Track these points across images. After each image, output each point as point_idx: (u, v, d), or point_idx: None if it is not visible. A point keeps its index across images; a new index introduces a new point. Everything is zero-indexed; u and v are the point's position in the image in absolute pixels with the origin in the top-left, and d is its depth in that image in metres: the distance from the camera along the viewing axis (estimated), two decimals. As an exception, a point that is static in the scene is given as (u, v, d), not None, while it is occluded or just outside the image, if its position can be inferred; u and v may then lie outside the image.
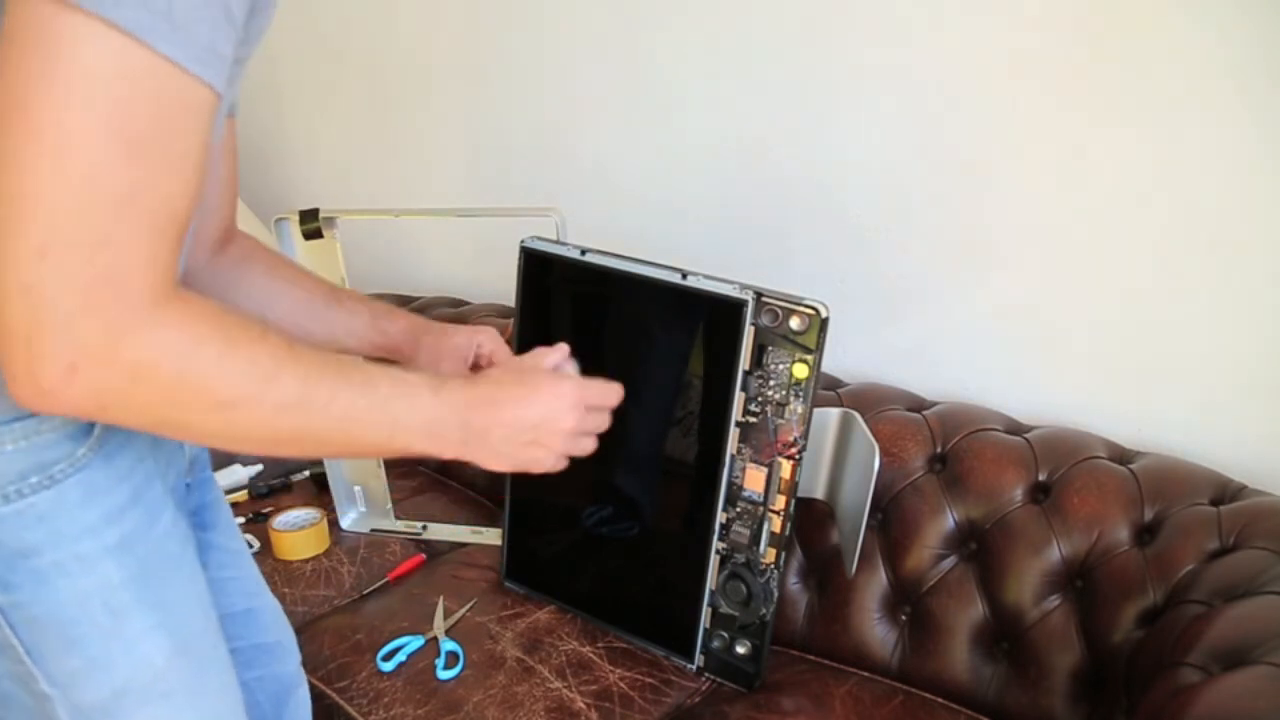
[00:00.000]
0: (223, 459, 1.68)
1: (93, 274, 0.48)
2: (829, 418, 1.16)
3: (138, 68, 0.48)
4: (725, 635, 1.18)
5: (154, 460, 0.70)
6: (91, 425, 0.62)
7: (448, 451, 0.67)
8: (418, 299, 1.85)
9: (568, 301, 1.25)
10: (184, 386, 0.53)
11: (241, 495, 1.62)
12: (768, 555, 1.13)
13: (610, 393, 0.77)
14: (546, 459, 0.72)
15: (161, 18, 0.48)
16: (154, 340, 0.51)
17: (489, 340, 0.91)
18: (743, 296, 1.07)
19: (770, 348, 1.07)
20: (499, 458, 0.70)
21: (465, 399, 0.67)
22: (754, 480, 1.12)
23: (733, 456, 1.13)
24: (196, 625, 0.73)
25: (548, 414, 0.71)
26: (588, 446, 0.75)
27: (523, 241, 1.23)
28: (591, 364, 1.21)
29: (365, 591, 1.39)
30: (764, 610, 1.15)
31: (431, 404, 0.65)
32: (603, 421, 0.76)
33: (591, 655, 1.22)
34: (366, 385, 0.62)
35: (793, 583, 1.28)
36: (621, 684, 1.17)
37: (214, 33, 0.51)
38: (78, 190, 0.47)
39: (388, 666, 1.19)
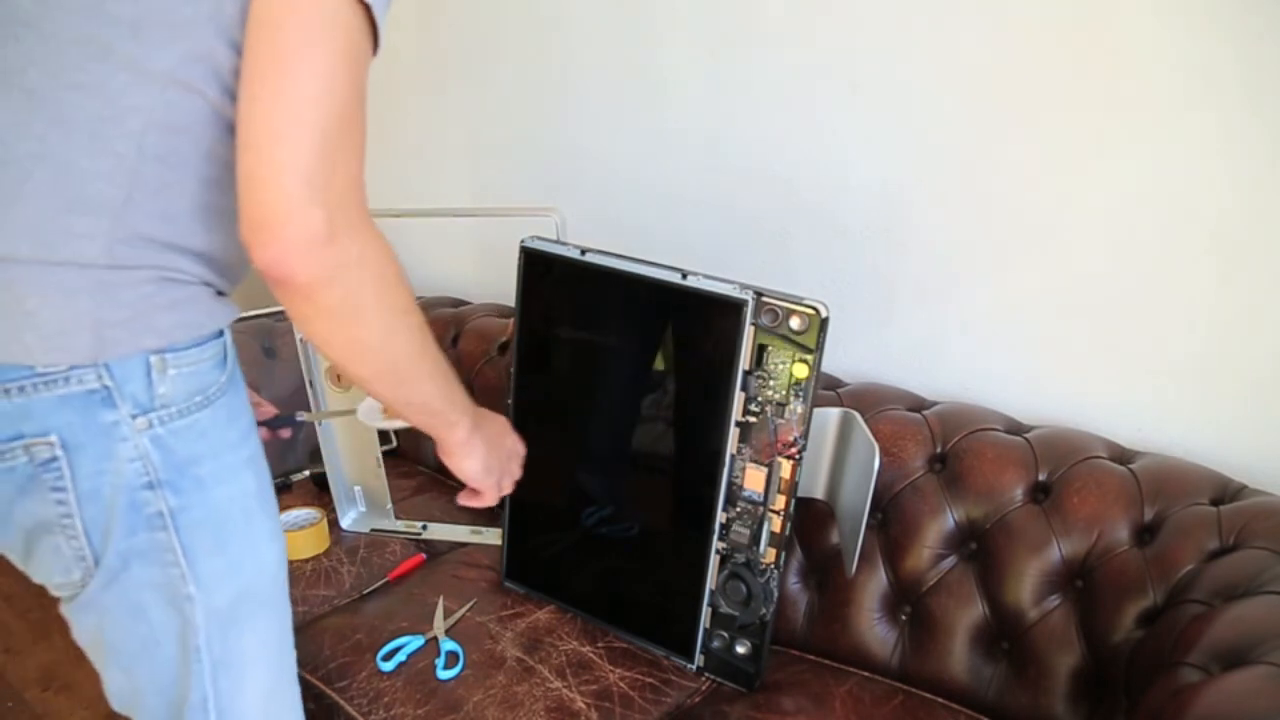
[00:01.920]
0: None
1: (345, 176, 0.64)
2: (829, 418, 1.16)
3: (364, 30, 0.65)
4: (725, 635, 1.18)
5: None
6: (225, 359, 0.75)
7: (461, 432, 0.87)
8: (418, 299, 1.85)
9: (568, 301, 1.25)
10: (387, 282, 0.70)
11: (241, 495, 1.62)
12: (768, 555, 1.13)
13: None
14: (507, 480, 0.97)
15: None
16: (375, 239, 0.68)
17: None
18: (743, 296, 1.07)
19: (770, 348, 1.07)
20: (492, 460, 0.92)
21: (478, 408, 0.91)
22: (754, 480, 1.12)
23: (733, 456, 1.13)
24: (285, 542, 0.85)
25: (515, 444, 0.99)
26: (518, 471, 1.01)
27: (523, 241, 1.23)
28: (591, 364, 1.21)
29: (365, 591, 1.39)
30: (764, 610, 1.15)
31: (468, 397, 0.87)
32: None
33: (591, 655, 1.22)
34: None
35: (793, 583, 1.28)
36: (621, 684, 1.17)
37: (386, 14, 0.67)
38: (340, 112, 0.63)
39: (388, 666, 1.19)
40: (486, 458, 0.91)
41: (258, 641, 0.81)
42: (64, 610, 0.76)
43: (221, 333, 0.75)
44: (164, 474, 0.71)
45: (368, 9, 0.64)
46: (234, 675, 0.79)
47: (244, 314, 1.93)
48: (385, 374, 0.75)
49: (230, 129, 0.66)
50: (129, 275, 0.67)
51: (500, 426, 0.95)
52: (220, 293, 0.76)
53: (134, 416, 0.69)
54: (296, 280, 0.64)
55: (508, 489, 0.96)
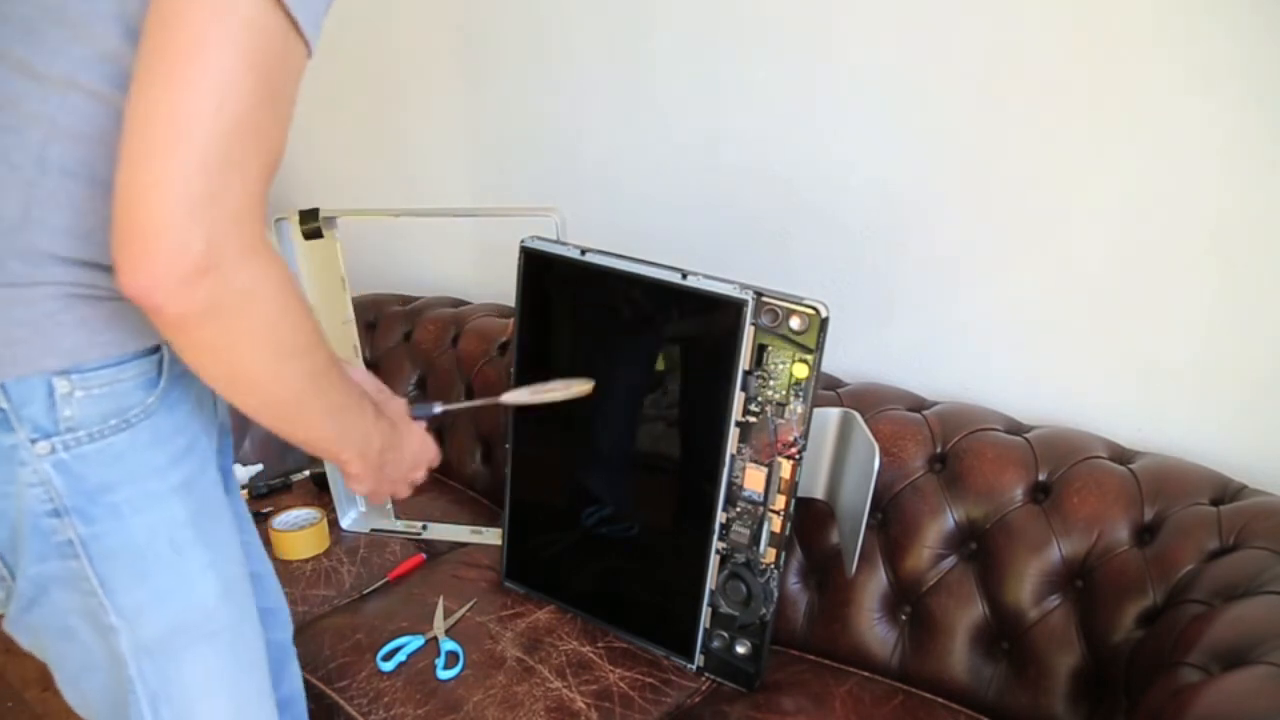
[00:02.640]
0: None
1: (238, 196, 0.57)
2: (829, 418, 1.16)
3: (280, 28, 0.56)
4: (725, 635, 1.18)
5: (200, 419, 0.76)
6: (158, 377, 0.70)
7: (355, 466, 0.79)
8: (418, 299, 1.85)
9: (568, 301, 1.25)
10: (275, 322, 0.62)
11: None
12: (768, 555, 1.13)
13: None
14: (402, 487, 0.91)
15: None
16: (267, 271, 0.60)
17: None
18: (743, 296, 1.07)
19: (770, 348, 1.07)
20: (381, 482, 0.85)
21: (387, 433, 0.81)
22: (754, 480, 1.12)
23: (733, 456, 1.13)
24: (236, 571, 0.79)
25: (419, 454, 0.90)
26: (420, 477, 0.94)
27: (523, 241, 1.23)
28: (591, 364, 1.21)
29: (365, 591, 1.39)
30: (764, 610, 1.15)
31: (372, 424, 0.78)
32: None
33: (591, 655, 1.22)
34: (349, 389, 0.74)
35: (793, 583, 1.28)
36: (621, 684, 1.17)
37: (322, 6, 0.59)
38: (234, 122, 0.55)
39: (388, 666, 1.19)
40: (377, 482, 0.84)
41: (205, 674, 0.76)
42: (4, 627, 0.74)
43: (157, 349, 0.70)
44: (70, 501, 0.67)
45: (282, 6, 0.56)
46: (177, 708, 0.75)
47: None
48: (268, 411, 0.67)
49: None
50: (28, 293, 0.63)
51: (406, 440, 0.87)
52: None
53: (34, 441, 0.65)
54: (165, 313, 0.57)
55: (403, 494, 0.92)
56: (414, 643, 1.23)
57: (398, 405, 0.90)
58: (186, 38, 0.54)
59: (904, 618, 1.21)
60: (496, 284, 1.83)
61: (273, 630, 0.96)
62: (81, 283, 0.64)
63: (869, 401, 1.26)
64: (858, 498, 1.10)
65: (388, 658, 1.20)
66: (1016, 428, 1.20)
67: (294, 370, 0.65)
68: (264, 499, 1.62)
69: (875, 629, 1.21)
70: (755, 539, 1.13)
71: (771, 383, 1.08)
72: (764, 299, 1.06)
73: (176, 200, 0.54)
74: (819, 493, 1.21)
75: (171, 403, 0.71)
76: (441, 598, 1.31)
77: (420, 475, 0.93)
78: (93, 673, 0.74)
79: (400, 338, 1.80)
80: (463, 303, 1.81)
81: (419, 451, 0.90)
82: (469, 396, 1.67)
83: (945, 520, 1.17)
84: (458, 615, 1.29)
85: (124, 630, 0.71)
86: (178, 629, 0.73)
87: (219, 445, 0.85)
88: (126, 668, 0.72)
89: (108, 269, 0.62)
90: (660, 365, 1.20)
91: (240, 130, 0.56)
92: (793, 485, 1.10)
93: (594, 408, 1.28)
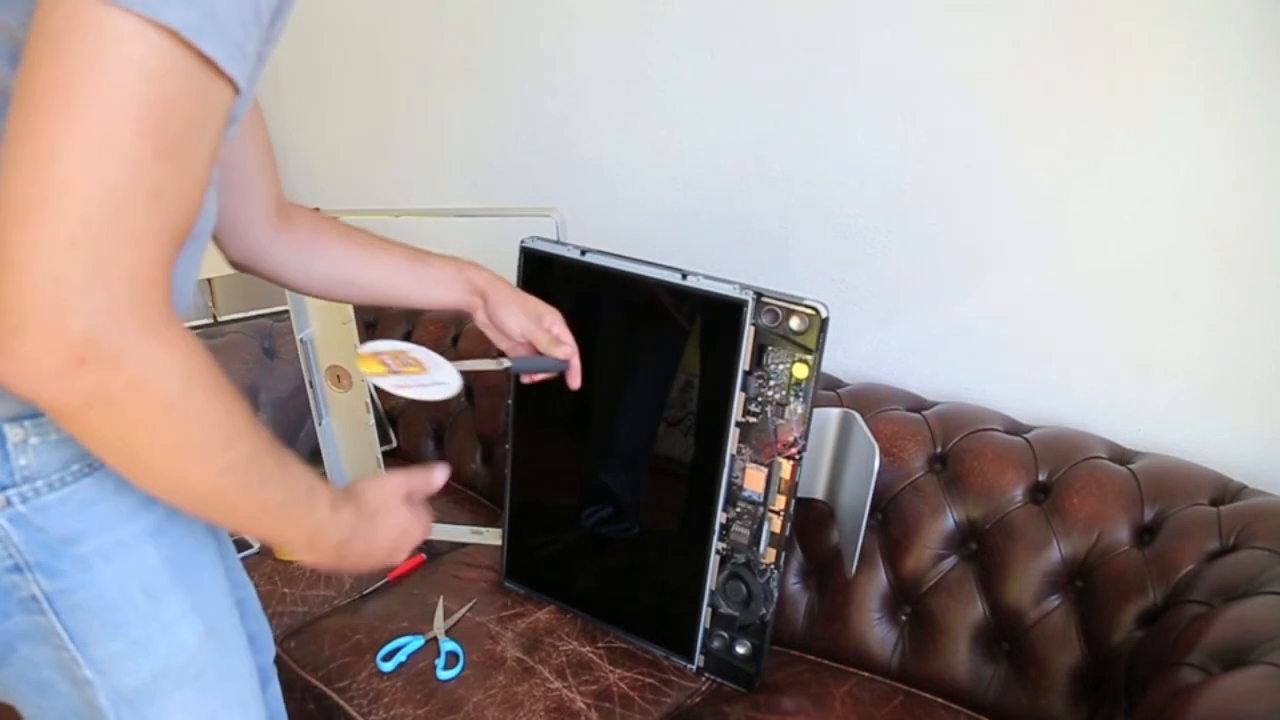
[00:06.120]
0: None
1: (120, 271, 0.49)
2: (829, 418, 1.16)
3: (180, 66, 0.48)
4: (725, 635, 1.18)
5: None
6: None
7: (303, 556, 0.70)
8: (418, 299, 1.85)
9: (568, 301, 1.24)
10: (176, 415, 0.54)
11: (241, 495, 1.62)
12: (768, 555, 1.13)
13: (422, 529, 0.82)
14: (399, 556, 0.79)
15: (207, 17, 0.48)
16: (166, 357, 0.52)
17: (555, 323, 1.05)
18: (743, 296, 1.07)
19: (770, 348, 1.07)
20: (341, 567, 0.74)
21: (349, 526, 0.72)
22: (754, 480, 1.12)
23: (733, 456, 1.13)
24: (221, 607, 0.75)
25: (399, 539, 0.77)
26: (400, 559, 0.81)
27: (523, 241, 1.23)
28: (591, 364, 1.21)
29: (365, 591, 1.39)
30: (764, 610, 1.15)
31: (325, 518, 0.69)
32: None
33: (591, 655, 1.22)
34: (291, 482, 0.65)
35: (793, 583, 1.28)
36: (621, 684, 1.17)
37: (245, 32, 0.51)
38: (115, 185, 0.47)
39: (388, 667, 1.19)
40: (335, 568, 0.77)
41: (191, 716, 0.72)
42: None
43: None
44: (31, 556, 0.61)
45: (187, 43, 0.48)
46: None
47: (244, 314, 1.94)
48: (181, 503, 0.61)
49: None
50: None
51: (381, 529, 0.76)
52: None
53: None
54: (42, 401, 0.50)
55: (396, 560, 0.81)
56: (414, 643, 1.23)
57: (380, 488, 0.78)
58: (57, 84, 0.46)
59: (904, 618, 1.21)
60: (496, 284, 1.83)
61: (256, 655, 0.91)
62: None
63: (869, 401, 1.26)
64: (858, 498, 1.10)
65: (388, 658, 1.20)
66: (1016, 428, 1.20)
67: (203, 469, 0.57)
68: (264, 499, 1.61)
69: (875, 629, 1.21)
70: (755, 539, 1.13)
71: (771, 383, 1.08)
72: (764, 299, 1.06)
73: (44, 280, 0.46)
74: (819, 493, 1.21)
75: None
76: (441, 598, 1.31)
77: (400, 557, 0.81)
78: None
79: (400, 338, 1.80)
80: (463, 303, 1.81)
81: (398, 537, 0.78)
82: (469, 397, 1.67)
83: (945, 520, 1.17)
84: (458, 615, 1.29)
85: (99, 683, 0.66)
86: (159, 675, 0.69)
87: None
88: (105, 719, 0.68)
89: None
90: (660, 366, 1.20)
91: (126, 194, 0.48)
92: (793, 485, 1.10)
93: (593, 408, 1.28)
